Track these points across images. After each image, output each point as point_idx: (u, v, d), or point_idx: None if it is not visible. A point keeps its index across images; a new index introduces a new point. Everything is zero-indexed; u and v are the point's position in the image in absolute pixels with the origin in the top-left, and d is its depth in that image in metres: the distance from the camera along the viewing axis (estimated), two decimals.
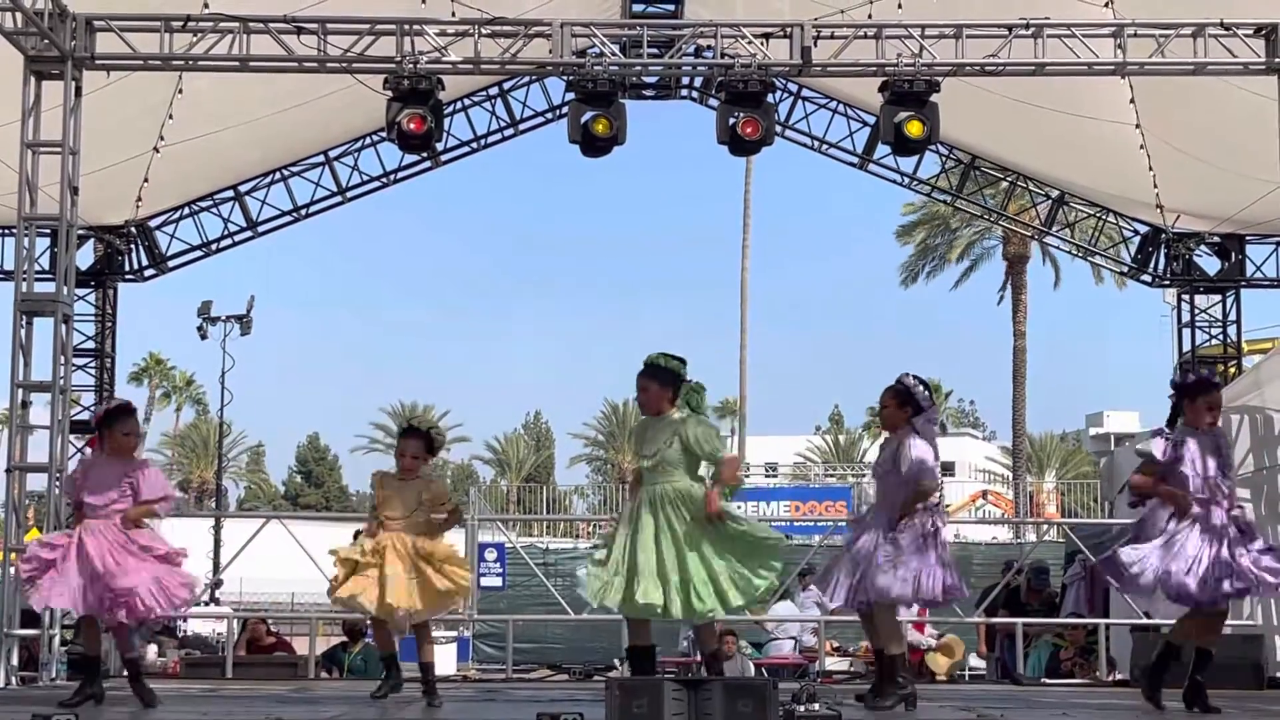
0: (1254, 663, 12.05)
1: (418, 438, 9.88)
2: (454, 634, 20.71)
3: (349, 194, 21.16)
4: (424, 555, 9.46)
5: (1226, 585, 8.80)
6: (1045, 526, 30.40)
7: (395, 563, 9.41)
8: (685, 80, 20.50)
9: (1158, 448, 9.17)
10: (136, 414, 9.76)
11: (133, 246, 21.03)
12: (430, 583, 9.45)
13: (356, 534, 10.39)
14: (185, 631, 23.35)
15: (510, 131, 21.31)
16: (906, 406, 9.37)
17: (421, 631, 9.76)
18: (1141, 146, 18.35)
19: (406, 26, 13.32)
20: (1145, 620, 13.25)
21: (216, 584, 24.17)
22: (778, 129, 16.34)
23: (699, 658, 16.70)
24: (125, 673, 9.72)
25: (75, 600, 9.13)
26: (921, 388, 9.40)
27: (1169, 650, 9.24)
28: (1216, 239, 21.03)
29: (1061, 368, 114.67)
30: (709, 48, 14.45)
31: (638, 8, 18.24)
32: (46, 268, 15.71)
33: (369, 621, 10.13)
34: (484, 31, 13.42)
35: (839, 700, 8.03)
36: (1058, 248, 26.00)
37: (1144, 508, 9.22)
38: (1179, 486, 9.02)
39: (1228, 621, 10.52)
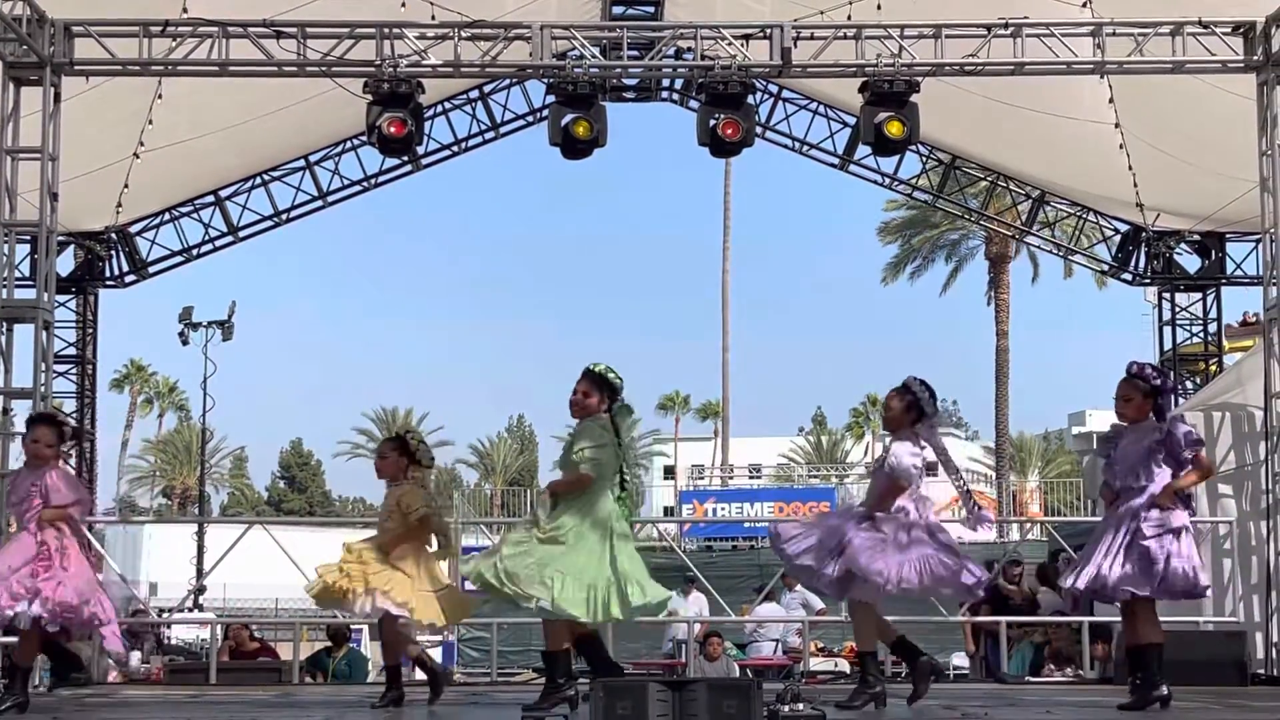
0: (1237, 659, 12.07)
1: (387, 440, 9.87)
2: (439, 638, 20.70)
3: (330, 198, 21.17)
4: (395, 560, 9.40)
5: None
6: (1029, 525, 30.48)
7: (374, 564, 9.36)
8: (666, 82, 20.52)
9: (1100, 446, 9.29)
10: (53, 423, 9.52)
11: (113, 252, 21.02)
12: (392, 579, 9.32)
13: None
14: (169, 638, 23.30)
15: (491, 134, 21.34)
16: (911, 410, 9.32)
17: (385, 625, 9.54)
18: (1121, 146, 18.41)
19: (386, 30, 13.32)
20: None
21: (200, 590, 24.12)
22: (758, 130, 16.38)
23: (682, 660, 16.77)
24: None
25: None
26: (926, 393, 9.33)
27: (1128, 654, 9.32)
28: (1196, 237, 21.10)
29: (1044, 367, 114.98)
30: (689, 49, 14.47)
31: (618, 10, 18.26)
32: (27, 274, 15.69)
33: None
34: (464, 35, 13.43)
35: (823, 700, 8.04)
36: (1039, 247, 26.06)
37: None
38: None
39: (1209, 618, 10.59)
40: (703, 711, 6.87)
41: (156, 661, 16.85)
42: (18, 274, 14.23)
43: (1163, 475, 8.92)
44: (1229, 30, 13.24)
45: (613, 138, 13.56)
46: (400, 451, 9.65)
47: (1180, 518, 8.87)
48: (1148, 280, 21.72)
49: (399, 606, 9.25)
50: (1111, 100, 17.41)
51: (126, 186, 19.19)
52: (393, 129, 13.26)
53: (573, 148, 13.48)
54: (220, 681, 12.99)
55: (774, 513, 36.88)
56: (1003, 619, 14.58)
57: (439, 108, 20.53)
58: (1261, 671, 12.53)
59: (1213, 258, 21.19)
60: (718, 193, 57.44)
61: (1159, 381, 9.11)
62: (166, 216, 21.05)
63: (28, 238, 14.19)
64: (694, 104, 16.04)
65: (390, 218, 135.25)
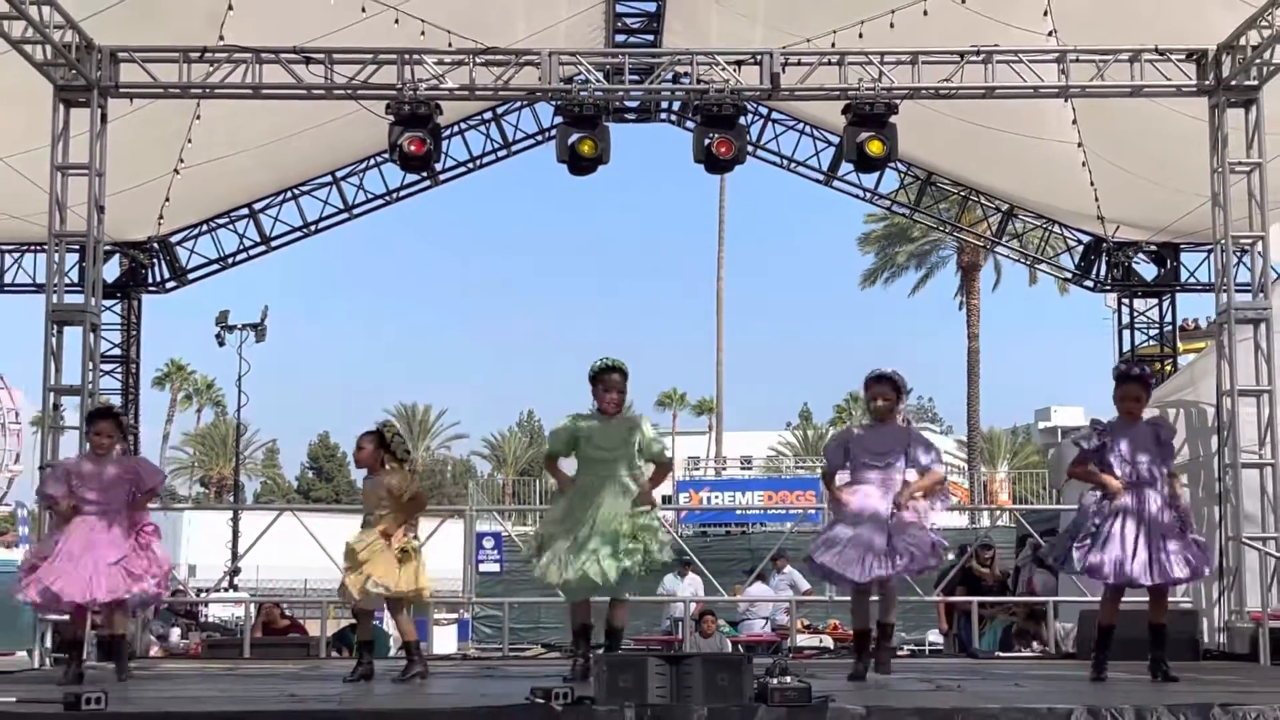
0: (1190, 637, 12.07)
1: (367, 434, 9.67)
2: (454, 616, 20.70)
3: (355, 211, 21.16)
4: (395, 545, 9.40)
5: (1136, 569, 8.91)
6: (998, 512, 30.47)
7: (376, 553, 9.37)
8: (664, 104, 20.52)
9: (1086, 438, 9.26)
10: (114, 417, 9.82)
11: (155, 260, 21.01)
12: (395, 566, 9.32)
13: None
14: (206, 616, 23.29)
15: (503, 152, 21.32)
16: (901, 396, 9.33)
17: (395, 608, 9.62)
18: (1084, 163, 18.39)
19: (407, 56, 13.30)
20: (1089, 599, 13.27)
21: (235, 572, 24.09)
22: (750, 149, 16.34)
23: (679, 636, 16.77)
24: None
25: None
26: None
27: (1105, 631, 9.32)
28: (1153, 247, 21.10)
29: (1012, 366, 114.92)
30: (686, 74, 14.45)
31: (620, 38, 18.27)
32: (76, 280, 15.68)
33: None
34: (478, 61, 13.41)
35: (809, 673, 8.03)
36: (1007, 256, 26.04)
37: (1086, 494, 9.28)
38: (1107, 473, 9.09)
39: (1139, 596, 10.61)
40: (698, 684, 6.85)
41: (195, 637, 16.85)
42: (67, 280, 14.22)
43: (1167, 469, 9.10)
44: (1183, 57, 13.22)
45: (616, 155, 13.54)
46: (377, 444, 9.59)
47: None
48: (1108, 287, 21.71)
49: (378, 584, 9.28)
50: (1075, 121, 17.40)
51: (167, 200, 19.18)
52: (413, 147, 13.23)
53: (579, 165, 13.46)
54: (253, 656, 12.98)
55: (763, 500, 36.83)
56: (974, 599, 14.57)
57: (456, 128, 20.52)
58: (1213, 647, 12.53)
59: (1168, 266, 21.18)
60: (713, 205, 57.41)
61: (1152, 380, 9.28)
62: (204, 227, 21.04)
63: (77, 247, 14.18)
64: (690, 124, 16.02)
65: (410, 228, 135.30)
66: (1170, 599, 11.53)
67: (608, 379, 9.15)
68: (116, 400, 20.45)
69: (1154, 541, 8.91)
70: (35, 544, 10.72)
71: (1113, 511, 8.99)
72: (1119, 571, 8.96)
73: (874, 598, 9.46)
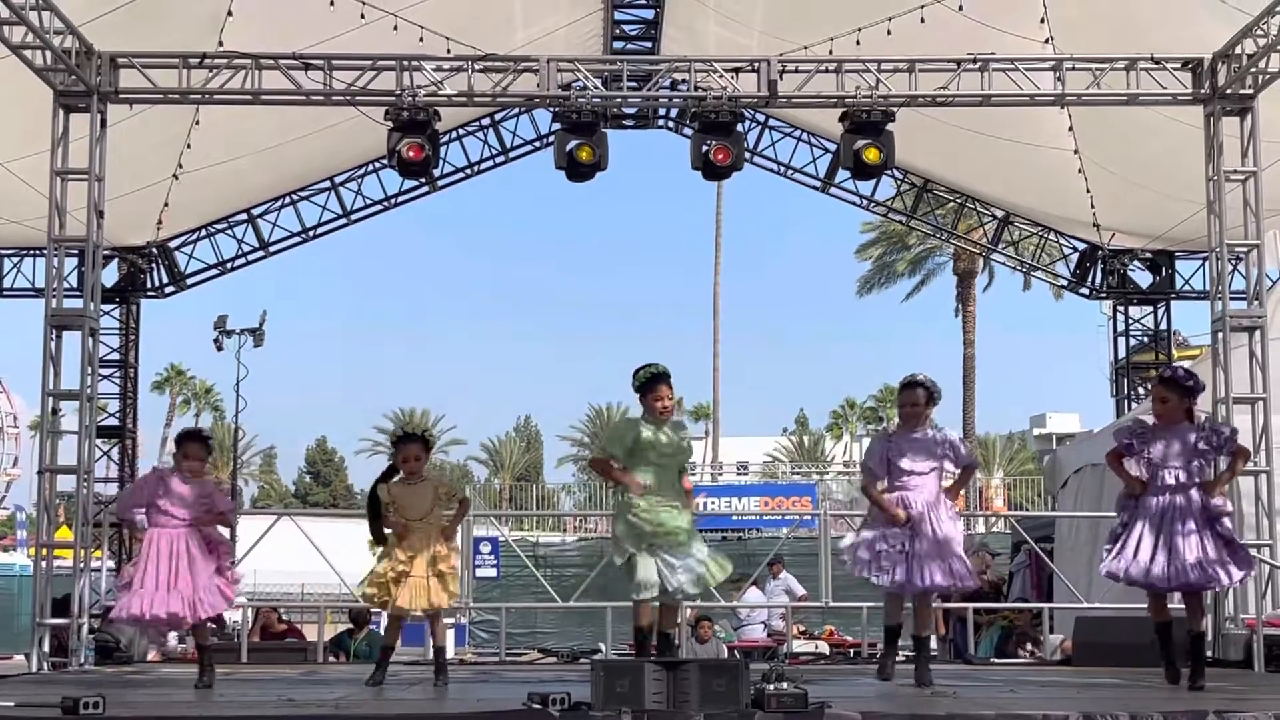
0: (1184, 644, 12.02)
1: (415, 441, 9.76)
2: (451, 620, 20.66)
3: (353, 216, 21.18)
4: (439, 561, 9.48)
5: (1158, 571, 8.87)
6: (993, 518, 30.45)
7: (421, 564, 9.42)
8: (662, 111, 20.55)
9: (1121, 433, 9.29)
10: (203, 441, 9.80)
11: (154, 265, 21.02)
12: (443, 585, 9.50)
13: (382, 556, 9.81)
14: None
15: (501, 158, 21.35)
16: (933, 402, 9.34)
17: (436, 621, 9.78)
18: (1080, 171, 18.41)
19: (406, 62, 13.29)
20: (1085, 605, 13.28)
21: None
22: (747, 156, 16.34)
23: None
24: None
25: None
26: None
27: (1160, 629, 9.27)
28: (1148, 255, 21.13)
29: (1007, 373, 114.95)
30: (684, 81, 14.46)
31: (618, 45, 18.30)
32: (75, 285, 15.67)
33: (386, 614, 10.03)
34: (477, 67, 13.40)
35: (805, 679, 8.03)
36: (1002, 263, 26.07)
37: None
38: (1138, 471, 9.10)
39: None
40: (695, 690, 6.85)
41: (192, 642, 16.79)
42: (67, 285, 14.21)
43: (1210, 470, 9.06)
44: (1179, 66, 13.23)
45: (613, 161, 13.54)
46: (425, 450, 9.73)
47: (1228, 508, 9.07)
48: (1103, 295, 21.74)
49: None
50: (1071, 129, 17.42)
51: (166, 205, 19.18)
52: (411, 153, 13.23)
53: (577, 171, 13.45)
54: (251, 660, 12.96)
55: (760, 506, 36.81)
56: (970, 604, 14.56)
57: (454, 134, 20.54)
58: (1207, 655, 12.50)
59: (1163, 274, 21.22)
60: (710, 212, 57.30)
61: (1190, 384, 9.11)
62: (203, 232, 21.05)
63: (76, 252, 14.18)
64: (688, 131, 16.02)
65: (408, 235, 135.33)
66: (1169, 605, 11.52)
67: (657, 389, 9.17)
68: (115, 405, 20.48)
69: (1178, 546, 8.85)
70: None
71: (1138, 514, 8.99)
72: (1136, 574, 8.92)
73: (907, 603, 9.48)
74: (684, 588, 9.00)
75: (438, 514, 9.59)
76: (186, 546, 9.34)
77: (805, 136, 21.16)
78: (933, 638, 9.63)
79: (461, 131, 20.80)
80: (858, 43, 14.32)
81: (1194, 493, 8.91)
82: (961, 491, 9.15)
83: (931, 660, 9.42)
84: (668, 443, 9.13)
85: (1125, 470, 9.17)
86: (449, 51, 13.96)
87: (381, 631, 14.18)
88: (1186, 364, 19.04)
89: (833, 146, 19.92)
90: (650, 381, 9.14)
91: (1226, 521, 9.04)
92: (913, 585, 9.01)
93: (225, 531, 9.88)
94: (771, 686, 6.87)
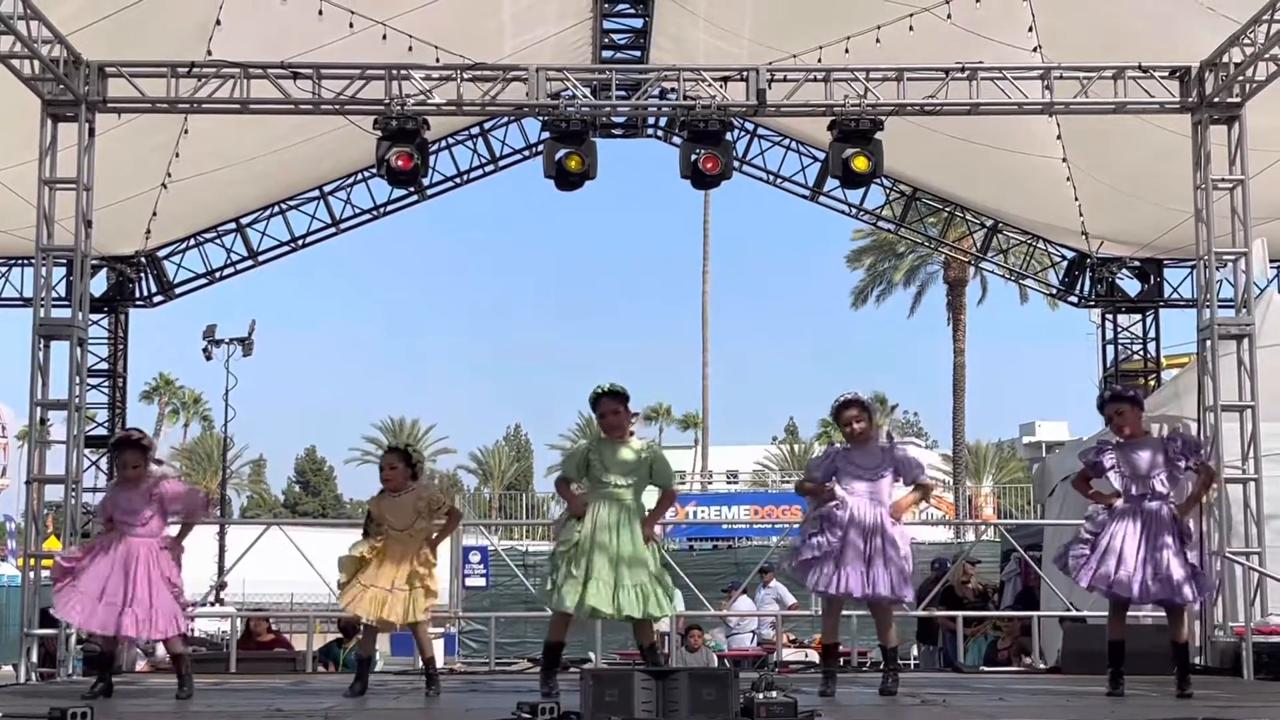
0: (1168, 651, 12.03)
1: (393, 451, 9.84)
2: (440, 630, 20.62)
3: (342, 225, 21.18)
4: (415, 576, 9.46)
5: (1134, 585, 8.94)
6: (983, 527, 30.49)
7: (392, 576, 9.40)
8: (651, 120, 20.56)
9: (1086, 452, 9.37)
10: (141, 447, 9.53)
11: (142, 275, 20.99)
12: (415, 599, 9.45)
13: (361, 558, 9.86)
14: (192, 630, 23.15)
15: (491, 167, 21.36)
16: (874, 417, 9.38)
17: (418, 631, 9.75)
18: (1068, 179, 18.45)
19: (394, 71, 13.29)
20: (1073, 613, 13.28)
21: (221, 586, 24.02)
22: (736, 164, 16.37)
23: (665, 650, 16.73)
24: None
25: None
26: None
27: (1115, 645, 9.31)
28: (1137, 263, 21.16)
29: (997, 381, 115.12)
30: (672, 90, 14.46)
31: (607, 54, 18.31)
32: (63, 295, 15.62)
33: (362, 625, 10.02)
34: (466, 76, 13.40)
35: (795, 688, 8.03)
36: (992, 272, 26.11)
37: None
38: (1106, 490, 9.19)
39: (1144, 611, 10.60)
40: (684, 699, 6.85)
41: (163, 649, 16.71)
42: (55, 295, 14.16)
43: (1179, 484, 9.22)
44: (1166, 74, 13.26)
45: (602, 170, 13.54)
46: (405, 463, 9.70)
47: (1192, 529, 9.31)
48: (1092, 303, 21.77)
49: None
50: (1059, 137, 17.45)
51: (155, 214, 19.16)
52: (400, 162, 13.22)
53: (566, 180, 13.45)
54: (239, 670, 12.93)
55: (749, 515, 36.82)
56: (959, 613, 14.58)
57: (443, 143, 20.52)
58: (1196, 662, 12.51)
59: (1151, 282, 21.26)
60: (698, 221, 57.19)
61: (1133, 393, 9.52)
62: (192, 242, 21.03)
63: (64, 261, 14.14)
64: (677, 140, 16.04)
65: (397, 244, 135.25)
66: (1149, 612, 11.57)
67: (604, 404, 9.11)
68: (104, 415, 20.45)
69: (1149, 558, 8.92)
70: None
71: (1110, 523, 9.05)
72: (1107, 584, 8.99)
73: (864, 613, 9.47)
74: (599, 609, 8.81)
75: (421, 526, 9.57)
76: (149, 559, 9.26)
77: (794, 145, 21.17)
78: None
79: (450, 140, 20.80)
80: (846, 51, 14.35)
81: (1168, 508, 9.05)
82: (914, 508, 9.19)
83: (900, 670, 9.42)
84: (622, 461, 9.02)
85: (1095, 492, 9.33)
86: (438, 60, 13.96)
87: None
88: (1174, 372, 19.12)
89: (821, 155, 19.90)
90: (596, 400, 9.12)
91: (1192, 543, 9.22)
92: (840, 589, 8.90)
93: (215, 530, 9.83)
94: (761, 695, 6.87)
